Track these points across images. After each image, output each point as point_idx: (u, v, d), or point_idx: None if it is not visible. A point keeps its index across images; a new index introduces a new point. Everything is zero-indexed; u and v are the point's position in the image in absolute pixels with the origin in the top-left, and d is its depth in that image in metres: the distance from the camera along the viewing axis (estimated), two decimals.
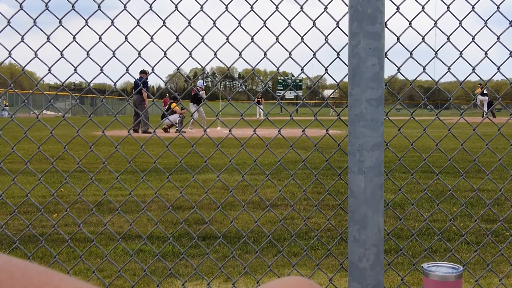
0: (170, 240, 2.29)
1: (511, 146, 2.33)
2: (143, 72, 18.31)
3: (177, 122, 19.50)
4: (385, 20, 2.09)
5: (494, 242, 3.10)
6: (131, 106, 2.40)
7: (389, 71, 2.37)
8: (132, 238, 4.63)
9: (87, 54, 2.14)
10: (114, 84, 2.15)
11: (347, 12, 2.06)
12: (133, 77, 2.22)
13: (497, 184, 2.54)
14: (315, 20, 2.26)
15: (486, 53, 2.31)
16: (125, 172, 8.16)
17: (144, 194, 6.67)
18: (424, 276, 1.70)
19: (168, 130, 20.55)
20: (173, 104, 21.13)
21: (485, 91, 30.83)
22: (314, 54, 2.26)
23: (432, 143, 11.32)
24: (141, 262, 3.87)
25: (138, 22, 2.16)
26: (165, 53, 2.17)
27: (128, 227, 4.87)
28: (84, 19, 2.17)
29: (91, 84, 2.24)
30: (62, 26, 2.19)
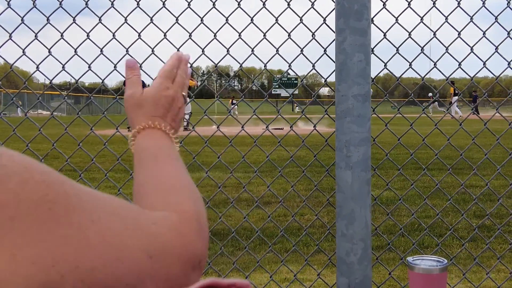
0: None
1: (496, 141, 2.35)
2: None
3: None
4: (372, 17, 2.10)
5: (482, 236, 3.12)
6: (119, 103, 2.40)
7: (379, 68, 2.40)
8: None
9: (75, 51, 2.15)
10: (102, 81, 2.15)
11: (334, 9, 2.07)
12: (121, 75, 2.22)
13: (484, 179, 2.56)
14: (302, 16, 2.27)
15: (472, 49, 2.32)
16: (119, 171, 8.15)
17: None
18: (409, 269, 1.72)
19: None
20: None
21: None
22: (301, 50, 2.27)
23: (428, 140, 11.32)
24: None
25: (125, 19, 2.16)
26: (152, 50, 2.18)
27: None
28: (72, 16, 2.18)
29: (86, 83, 2.25)
30: (50, 24, 2.20)
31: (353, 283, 2.07)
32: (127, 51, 2.18)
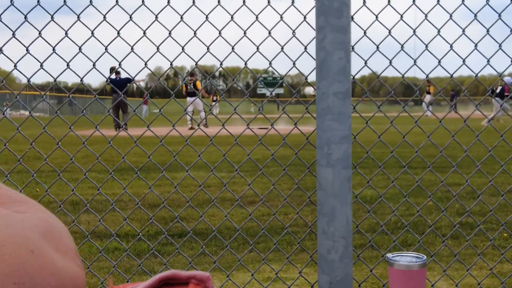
0: (139, 236, 2.28)
1: (476, 138, 2.36)
2: (118, 73, 18.47)
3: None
4: (352, 14, 2.10)
5: (464, 234, 3.14)
6: (99, 102, 2.38)
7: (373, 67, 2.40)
8: (108, 237, 4.61)
9: (53, 50, 2.13)
10: (81, 80, 2.14)
11: (314, 6, 2.07)
12: (100, 73, 2.20)
13: (466, 177, 2.57)
14: (282, 14, 2.26)
15: (451, 46, 2.33)
16: (102, 172, 8.10)
17: (123, 192, 6.64)
18: (389, 266, 1.72)
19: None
20: (198, 83, 21.13)
21: (430, 90, 31.07)
22: (282, 48, 2.27)
23: (413, 138, 11.40)
24: (117, 260, 3.85)
25: (104, 17, 2.15)
26: (132, 48, 2.17)
27: (107, 225, 4.85)
28: (50, 14, 2.16)
29: (69, 83, 2.23)
30: (28, 22, 2.17)
31: (334, 280, 2.07)
32: (106, 49, 2.16)
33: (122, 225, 2.55)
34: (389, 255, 1.72)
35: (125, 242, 4.49)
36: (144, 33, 2.17)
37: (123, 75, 19.45)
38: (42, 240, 0.45)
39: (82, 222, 5.22)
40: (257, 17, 2.25)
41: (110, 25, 2.18)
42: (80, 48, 2.15)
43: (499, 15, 2.36)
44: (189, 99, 20.29)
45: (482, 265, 3.94)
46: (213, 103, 23.77)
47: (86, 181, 2.46)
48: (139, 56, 2.19)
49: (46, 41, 2.11)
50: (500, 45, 2.43)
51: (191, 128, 19.47)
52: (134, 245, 4.36)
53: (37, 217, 0.48)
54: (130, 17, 2.17)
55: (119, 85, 18.16)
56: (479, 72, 2.46)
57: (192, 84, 20.50)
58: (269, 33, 2.25)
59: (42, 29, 2.16)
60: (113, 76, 18.84)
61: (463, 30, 2.34)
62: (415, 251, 1.99)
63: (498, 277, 3.05)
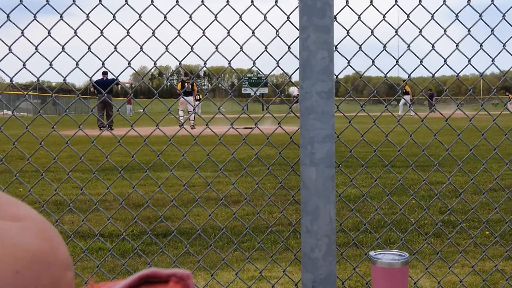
0: (123, 235, 2.27)
1: (457, 137, 2.39)
2: (105, 73, 18.46)
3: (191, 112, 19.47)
4: (335, 14, 2.12)
5: (446, 233, 3.16)
6: (82, 101, 2.37)
7: (357, 67, 2.41)
8: (92, 237, 4.59)
9: (36, 49, 2.12)
10: (64, 79, 2.13)
11: (297, 6, 2.08)
12: (83, 72, 2.20)
13: (447, 175, 2.60)
14: (265, 14, 2.27)
15: (433, 46, 2.36)
16: (86, 172, 8.06)
17: (106, 192, 6.61)
18: (372, 264, 1.73)
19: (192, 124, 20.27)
20: (195, 84, 21.25)
21: (406, 89, 31.37)
22: (266, 47, 2.28)
23: (397, 138, 11.47)
24: (101, 260, 3.83)
25: (87, 16, 2.14)
26: (115, 48, 2.16)
27: (91, 225, 4.83)
28: (33, 14, 2.15)
29: (53, 83, 2.21)
30: (11, 21, 2.16)
31: (318, 278, 2.09)
32: (89, 48, 2.16)
33: (106, 225, 2.54)
34: (372, 253, 1.74)
35: (109, 242, 4.47)
36: (128, 32, 2.17)
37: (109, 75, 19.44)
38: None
39: (66, 222, 5.19)
40: (240, 17, 2.26)
41: (94, 24, 2.18)
42: (63, 48, 2.14)
43: (480, 16, 2.39)
44: (184, 98, 20.31)
45: (464, 263, 3.98)
46: (197, 102, 23.81)
47: (70, 181, 2.45)
48: (122, 56, 2.19)
49: (29, 41, 2.10)
50: (481, 45, 2.46)
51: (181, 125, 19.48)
52: (118, 245, 4.35)
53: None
54: (114, 16, 2.17)
55: (105, 85, 18.11)
56: (460, 71, 2.48)
57: (190, 84, 20.56)
58: (253, 32, 2.26)
59: (24, 29, 2.14)
60: (100, 76, 18.85)
61: (445, 30, 2.36)
62: (398, 249, 2.01)
63: (480, 274, 3.08)
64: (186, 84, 19.92)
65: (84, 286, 0.51)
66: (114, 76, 2.23)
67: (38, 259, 0.46)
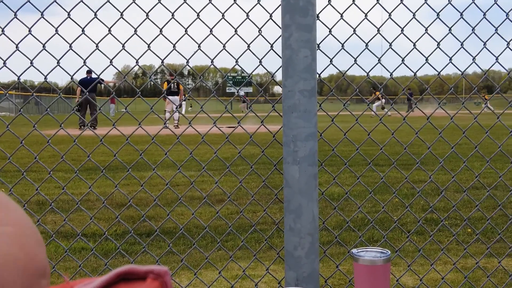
0: (105, 235, 2.26)
1: (439, 135, 2.41)
2: (89, 72, 18.37)
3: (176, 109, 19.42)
4: (317, 13, 2.12)
5: (428, 230, 3.19)
6: (64, 100, 2.35)
7: (340, 66, 2.41)
8: (75, 237, 4.56)
9: (16, 47, 2.10)
10: (45, 78, 2.11)
11: (280, 5, 2.08)
12: (64, 70, 2.18)
13: (429, 173, 2.62)
14: (248, 12, 2.27)
15: (414, 45, 2.37)
16: (68, 171, 8.00)
17: (88, 191, 6.57)
18: (354, 261, 1.74)
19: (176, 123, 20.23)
20: (181, 85, 21.24)
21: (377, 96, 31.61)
22: (248, 46, 2.28)
23: (380, 136, 11.51)
24: (83, 260, 3.81)
25: (68, 14, 2.12)
26: (97, 46, 2.15)
27: (74, 225, 4.80)
28: (13, 11, 2.12)
29: (36, 82, 2.19)
30: None
31: (301, 276, 2.09)
32: (70, 47, 2.14)
33: (88, 224, 2.53)
34: (354, 250, 1.75)
35: (91, 241, 4.45)
36: (109, 30, 2.16)
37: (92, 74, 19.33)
38: None
39: (48, 222, 5.16)
40: (223, 15, 2.25)
41: (75, 22, 2.16)
42: (44, 46, 2.12)
43: (461, 14, 2.41)
44: (170, 97, 20.28)
45: (446, 260, 4.01)
46: (183, 102, 23.84)
47: (53, 180, 2.43)
48: (104, 54, 2.18)
49: (9, 39, 2.08)
50: (462, 44, 2.48)
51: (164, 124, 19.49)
52: (101, 244, 4.33)
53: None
54: (95, 14, 2.15)
55: (89, 84, 17.99)
56: (442, 70, 2.50)
57: (175, 83, 20.51)
58: (235, 31, 2.26)
59: (5, 26, 2.12)
60: (85, 75, 18.73)
61: (426, 29, 2.38)
62: (381, 247, 2.02)
63: (462, 271, 3.11)
64: (171, 83, 19.87)
65: (59, 284, 0.50)
66: (96, 74, 2.21)
67: (10, 265, 0.46)
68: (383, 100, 32.27)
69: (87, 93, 2.15)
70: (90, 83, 18.29)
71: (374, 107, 32.81)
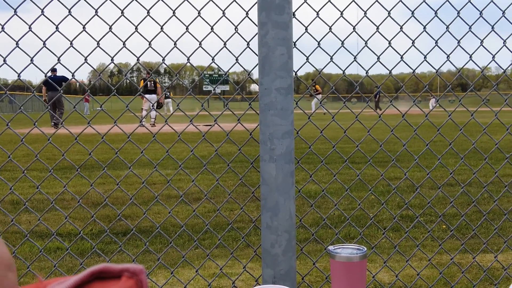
0: (81, 234, 2.24)
1: (414, 133, 2.43)
2: (54, 70, 18.12)
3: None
4: (293, 11, 2.12)
5: (404, 227, 3.21)
6: (37, 98, 2.32)
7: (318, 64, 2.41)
8: (51, 236, 4.51)
9: None
10: (18, 76, 2.08)
11: (256, 2, 2.08)
12: (38, 68, 2.15)
13: (403, 169, 2.64)
14: (224, 10, 2.26)
15: (389, 43, 2.39)
16: (43, 170, 7.91)
17: (63, 190, 6.50)
18: (331, 258, 1.75)
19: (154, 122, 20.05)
20: (157, 82, 21.08)
21: (316, 89, 31.95)
22: (225, 43, 2.27)
23: (356, 134, 11.60)
24: (58, 260, 3.77)
25: (42, 11, 2.09)
26: (71, 43, 2.12)
27: (49, 225, 4.75)
28: None
29: (9, 80, 2.16)
30: None
31: (278, 274, 2.10)
32: (44, 44, 2.11)
33: (63, 224, 2.50)
34: (330, 247, 1.75)
35: (67, 241, 4.40)
36: (84, 28, 2.13)
37: (65, 72, 19.09)
38: None
39: (23, 222, 5.09)
40: (199, 13, 2.24)
41: (49, 19, 2.13)
42: (17, 43, 2.09)
43: (435, 13, 2.43)
44: (148, 96, 20.16)
45: (422, 256, 4.05)
46: (158, 101, 23.80)
47: (27, 180, 2.39)
48: (79, 52, 2.15)
49: None
50: (436, 42, 2.50)
51: (153, 125, 19.44)
52: (77, 244, 4.29)
53: None
54: (69, 11, 2.12)
55: (54, 82, 17.72)
56: (416, 68, 2.52)
57: (152, 82, 20.41)
58: (212, 28, 2.25)
59: None
60: (49, 73, 18.48)
61: (401, 27, 2.40)
62: (357, 243, 2.03)
63: (437, 267, 3.14)
64: (148, 82, 19.76)
65: (32, 284, 0.50)
66: (71, 72, 2.19)
67: None
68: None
69: (50, 91, 2.12)
70: (54, 81, 18.04)
71: (313, 104, 32.88)
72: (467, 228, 4.81)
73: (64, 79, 17.07)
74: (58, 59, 2.14)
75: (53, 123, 18.55)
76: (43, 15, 2.10)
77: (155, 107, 17.17)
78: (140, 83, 20.65)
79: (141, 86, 20.59)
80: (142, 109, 20.98)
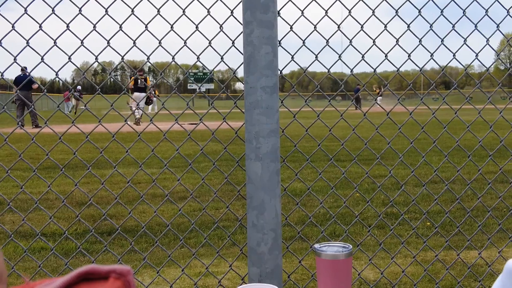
0: (65, 234, 2.23)
1: (398, 131, 2.44)
2: (23, 69, 17.91)
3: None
4: (278, 9, 2.13)
5: (389, 224, 3.23)
6: (21, 99, 2.30)
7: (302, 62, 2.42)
8: (35, 237, 4.48)
9: None
10: (2, 75, 2.06)
11: (241, 1, 2.08)
12: (20, 66, 2.13)
13: (388, 167, 2.66)
14: (209, 8, 2.26)
15: (374, 41, 2.40)
16: (26, 170, 7.84)
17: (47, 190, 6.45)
18: (317, 256, 1.75)
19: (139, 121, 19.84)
20: (148, 79, 20.90)
21: None
22: (210, 42, 2.27)
23: (341, 132, 11.64)
24: (43, 260, 3.75)
25: (25, 10, 2.08)
26: (55, 42, 2.11)
27: (33, 225, 4.71)
28: None
29: None
30: None
31: (264, 272, 2.10)
32: (27, 43, 2.09)
33: (47, 224, 2.48)
34: (316, 245, 1.76)
35: (51, 241, 4.37)
36: (68, 26, 2.12)
37: (48, 71, 18.87)
38: None
39: (7, 222, 5.04)
40: (184, 11, 2.24)
41: (32, 18, 2.12)
42: (0, 42, 2.07)
43: (419, 11, 2.45)
44: (137, 94, 20.02)
45: (407, 253, 4.08)
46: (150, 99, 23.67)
47: (11, 180, 2.38)
48: (62, 50, 2.14)
49: None
50: (420, 40, 2.52)
51: (137, 123, 19.29)
52: (62, 244, 4.26)
53: None
54: (53, 10, 2.11)
55: (22, 82, 17.48)
56: (401, 66, 2.54)
57: (143, 80, 20.26)
58: (197, 27, 2.25)
59: None
60: (21, 73, 18.21)
61: (385, 26, 2.41)
62: (343, 241, 2.04)
63: (422, 264, 3.17)
64: (139, 81, 19.56)
65: (18, 285, 0.49)
66: (54, 71, 2.17)
67: None
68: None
69: (18, 90, 2.10)
70: (22, 80, 17.78)
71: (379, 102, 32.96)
72: (451, 225, 4.85)
73: (31, 79, 16.86)
74: (42, 58, 2.12)
75: (33, 125, 18.39)
76: (27, 13, 2.08)
77: (141, 106, 17.05)
78: (131, 82, 20.48)
79: (132, 84, 20.42)
80: (131, 107, 20.78)
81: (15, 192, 6.28)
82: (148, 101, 21.17)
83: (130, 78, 21.31)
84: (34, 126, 18.89)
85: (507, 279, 0.86)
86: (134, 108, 19.88)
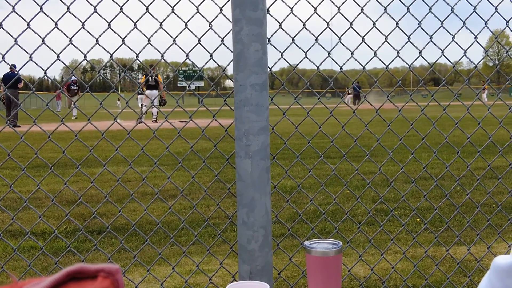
0: (55, 233, 2.22)
1: (387, 127, 2.45)
2: (12, 67, 17.76)
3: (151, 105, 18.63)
4: (267, 7, 2.13)
5: (378, 221, 3.25)
6: (10, 98, 2.29)
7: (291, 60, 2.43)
8: (24, 235, 4.46)
9: None
10: None
11: None
12: (8, 64, 2.12)
13: (377, 164, 2.67)
14: (198, 6, 2.26)
15: (363, 39, 2.41)
16: (15, 169, 7.80)
17: (37, 189, 6.42)
18: (307, 253, 1.76)
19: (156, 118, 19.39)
20: (160, 76, 20.52)
21: None
22: (199, 40, 2.27)
23: (331, 129, 11.62)
24: (32, 259, 3.73)
25: (13, 8, 2.07)
26: (43, 40, 2.09)
27: (23, 224, 4.69)
28: None
29: None
30: None
31: (254, 270, 2.10)
32: (15, 41, 2.08)
33: (37, 223, 2.48)
34: (306, 242, 1.76)
35: (41, 240, 4.36)
36: (56, 24, 2.11)
37: (36, 69, 18.78)
38: None
39: None
40: (173, 9, 2.23)
41: (20, 16, 2.10)
42: None
43: (408, 8, 2.46)
44: (149, 92, 19.73)
45: (396, 250, 4.10)
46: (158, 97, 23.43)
47: (0, 179, 2.36)
48: (51, 49, 2.13)
49: None
50: (409, 38, 2.53)
51: (155, 121, 19.04)
52: (51, 243, 4.24)
53: None
54: (41, 8, 2.10)
55: (9, 80, 17.31)
56: (390, 63, 2.55)
57: (155, 76, 20.00)
58: (186, 25, 2.24)
59: None
60: (9, 71, 18.08)
61: (374, 23, 2.42)
62: (333, 238, 2.05)
63: (411, 260, 3.18)
64: (150, 78, 19.24)
65: (7, 285, 0.49)
66: (43, 69, 2.16)
67: None
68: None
69: (7, 89, 2.09)
70: (10, 78, 17.62)
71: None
72: (441, 221, 4.88)
73: (18, 78, 16.72)
74: (30, 57, 2.11)
75: (11, 124, 18.27)
76: (14, 11, 2.07)
77: (156, 104, 16.81)
78: (142, 79, 20.16)
79: (142, 81, 20.08)
80: (142, 105, 20.52)
81: (4, 191, 6.25)
82: (162, 102, 20.61)
83: (143, 77, 20.88)
84: (12, 125, 18.68)
85: (494, 275, 0.87)
86: (145, 107, 19.63)
